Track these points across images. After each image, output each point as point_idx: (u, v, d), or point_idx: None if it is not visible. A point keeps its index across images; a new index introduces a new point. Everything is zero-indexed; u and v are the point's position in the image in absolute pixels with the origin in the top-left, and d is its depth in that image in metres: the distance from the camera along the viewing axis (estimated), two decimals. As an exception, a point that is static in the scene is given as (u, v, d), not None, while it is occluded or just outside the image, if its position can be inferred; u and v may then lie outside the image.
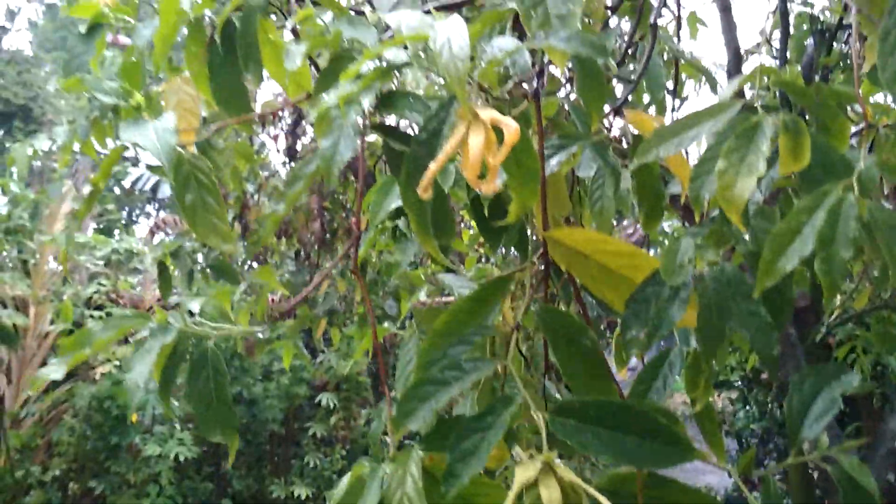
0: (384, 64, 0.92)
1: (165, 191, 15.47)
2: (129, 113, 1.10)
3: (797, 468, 3.15)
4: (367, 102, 0.91)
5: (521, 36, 1.20)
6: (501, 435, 0.84)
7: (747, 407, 5.72)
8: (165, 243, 3.91)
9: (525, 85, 1.19)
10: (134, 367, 0.99)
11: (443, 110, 0.89)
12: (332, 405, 7.73)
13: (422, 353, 1.05)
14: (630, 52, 1.73)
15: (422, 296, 1.59)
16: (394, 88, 0.95)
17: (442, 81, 0.96)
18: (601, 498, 0.78)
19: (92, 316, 8.04)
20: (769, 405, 5.49)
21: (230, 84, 1.18)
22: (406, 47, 0.97)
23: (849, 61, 3.41)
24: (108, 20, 1.34)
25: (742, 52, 3.27)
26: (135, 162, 14.47)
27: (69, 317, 7.87)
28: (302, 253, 4.28)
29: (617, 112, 1.55)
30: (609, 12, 1.81)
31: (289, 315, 3.27)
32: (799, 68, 3.31)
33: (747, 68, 3.91)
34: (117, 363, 7.79)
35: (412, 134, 0.97)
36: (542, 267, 1.06)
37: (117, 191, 19.00)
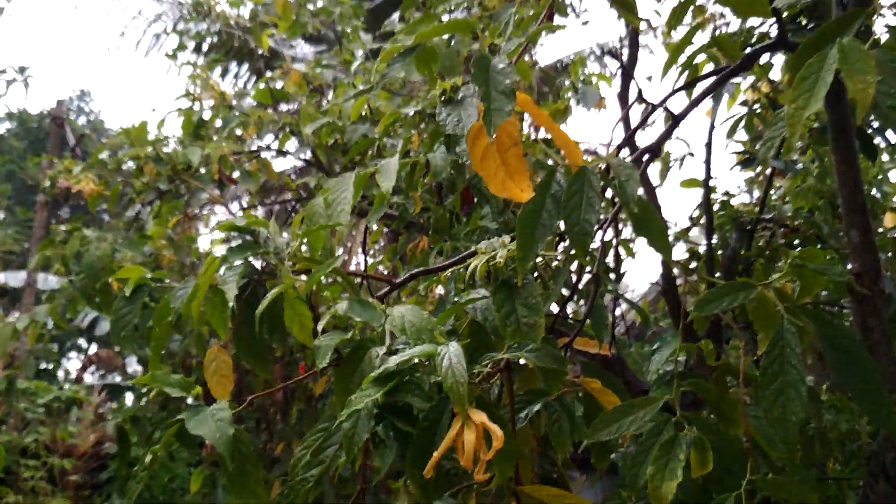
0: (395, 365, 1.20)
1: (104, 327, 15.11)
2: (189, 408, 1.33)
3: None
4: (379, 396, 1.19)
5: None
6: None
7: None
8: (126, 409, 4.01)
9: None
10: None
11: (441, 403, 1.18)
12: (273, 560, 7.57)
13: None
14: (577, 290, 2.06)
15: (400, 505, 1.81)
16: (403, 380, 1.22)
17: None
18: None
19: (27, 465, 7.82)
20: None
21: (254, 347, 1.44)
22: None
23: (766, 252, 3.84)
24: (147, 282, 1.60)
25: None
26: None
27: (0, 465, 7.64)
28: (262, 420, 4.44)
29: (567, 345, 1.86)
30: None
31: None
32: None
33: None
34: None
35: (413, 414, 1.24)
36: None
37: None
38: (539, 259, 1.44)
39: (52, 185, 4.17)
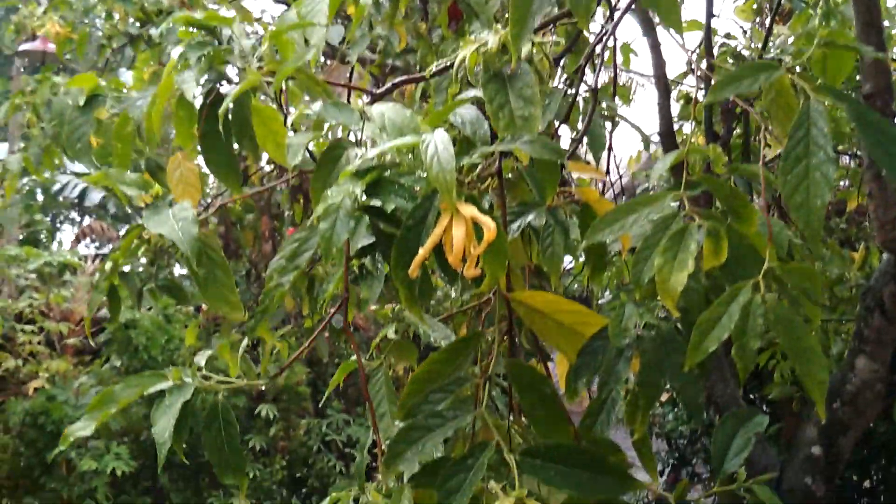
0: (375, 159, 1.08)
1: (93, 198, 14.93)
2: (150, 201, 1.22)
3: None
4: (358, 191, 1.08)
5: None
6: (482, 475, 1.01)
7: (676, 409, 6.01)
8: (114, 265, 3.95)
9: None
10: (158, 422, 1.12)
11: (427, 201, 1.06)
12: (271, 416, 7.75)
13: (404, 399, 1.21)
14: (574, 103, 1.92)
15: (390, 332, 1.75)
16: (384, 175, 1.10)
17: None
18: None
19: (23, 330, 7.88)
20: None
21: (223, 158, 1.32)
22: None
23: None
24: (103, 92, 1.45)
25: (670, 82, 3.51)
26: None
27: (-2, 330, 7.70)
28: (253, 272, 4.38)
29: (562, 165, 1.75)
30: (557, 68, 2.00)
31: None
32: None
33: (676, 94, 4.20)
34: (50, 378, 7.66)
35: (397, 216, 1.13)
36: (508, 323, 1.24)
37: (41, 197, 18.34)
38: (534, 51, 1.29)
39: (17, 32, 3.92)
